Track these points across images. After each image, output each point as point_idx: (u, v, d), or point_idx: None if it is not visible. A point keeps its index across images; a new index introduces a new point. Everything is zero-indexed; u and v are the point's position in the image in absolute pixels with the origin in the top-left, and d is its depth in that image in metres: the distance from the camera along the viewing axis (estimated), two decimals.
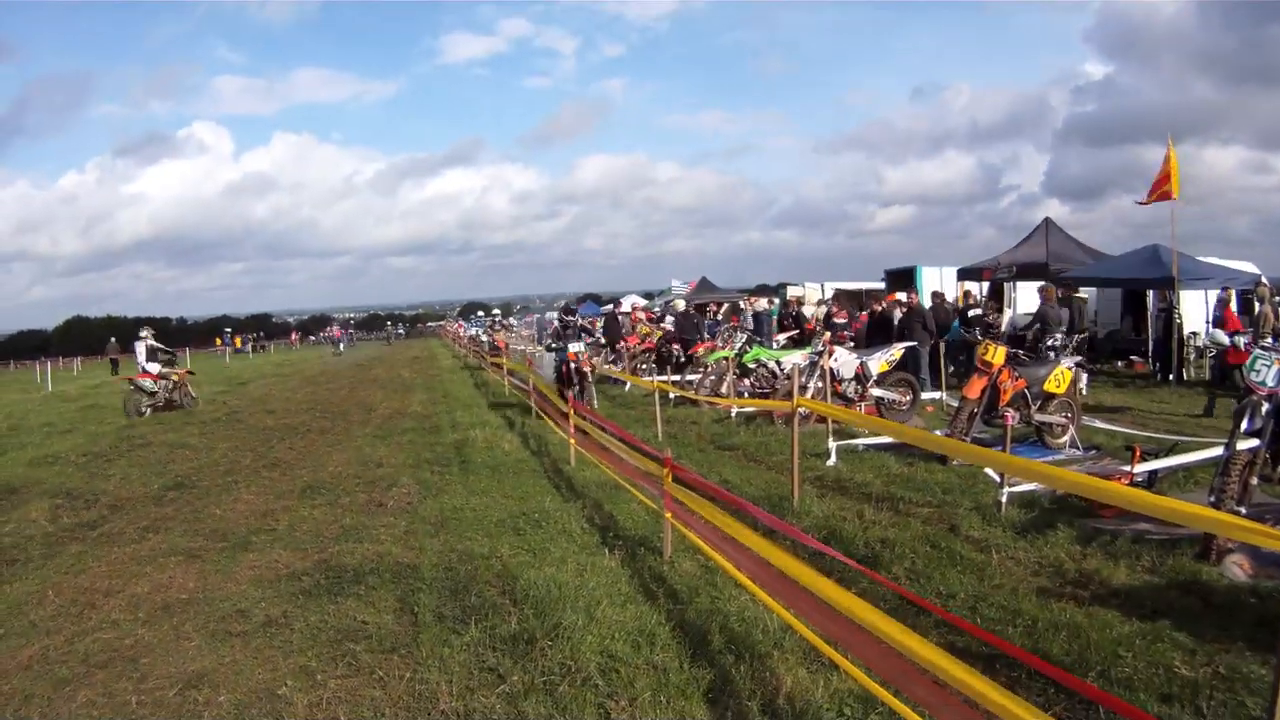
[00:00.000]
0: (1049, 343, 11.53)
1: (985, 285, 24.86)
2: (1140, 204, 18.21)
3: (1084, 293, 22.81)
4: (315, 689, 4.61)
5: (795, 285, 35.00)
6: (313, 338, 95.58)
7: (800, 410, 8.72)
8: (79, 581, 6.85)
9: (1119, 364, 21.10)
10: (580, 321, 19.27)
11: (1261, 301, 16.64)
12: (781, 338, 18.91)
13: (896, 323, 18.32)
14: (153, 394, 19.87)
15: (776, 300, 30.60)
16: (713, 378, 16.48)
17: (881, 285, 31.49)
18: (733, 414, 14.06)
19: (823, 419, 10.89)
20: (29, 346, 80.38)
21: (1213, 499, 6.25)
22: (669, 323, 22.45)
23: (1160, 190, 17.66)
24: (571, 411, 10.77)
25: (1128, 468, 7.84)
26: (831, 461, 9.75)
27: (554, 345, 17.16)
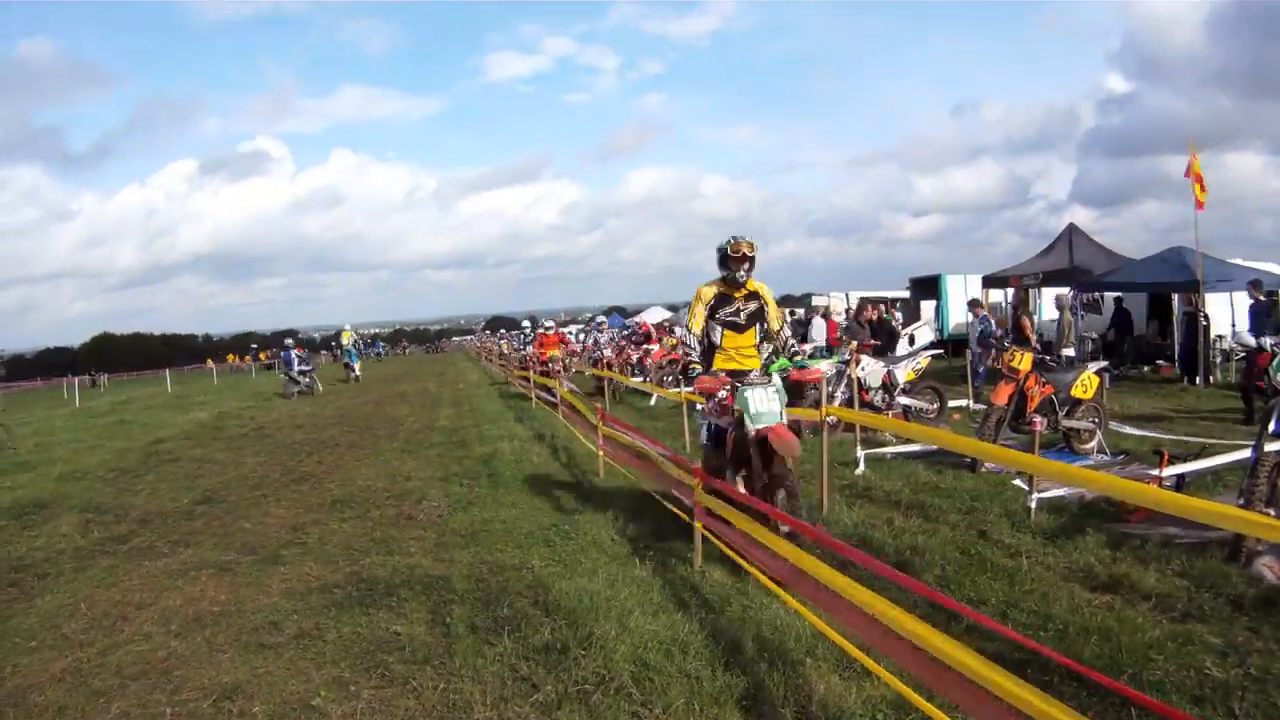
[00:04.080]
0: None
1: (1010, 292, 24.78)
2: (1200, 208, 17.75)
3: (1109, 296, 22.68)
4: (349, 700, 4.63)
5: (820, 295, 34.99)
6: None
7: (828, 419, 8.70)
8: (110, 595, 6.91)
9: (1145, 368, 20.93)
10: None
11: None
12: (807, 348, 18.89)
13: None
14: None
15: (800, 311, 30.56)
16: None
17: (906, 294, 31.47)
18: None
19: (850, 428, 10.85)
20: (56, 364, 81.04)
21: (1241, 501, 6.19)
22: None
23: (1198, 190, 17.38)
24: (600, 422, 10.72)
25: (1156, 472, 7.79)
26: (860, 470, 9.72)
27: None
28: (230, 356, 64.12)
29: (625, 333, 31.55)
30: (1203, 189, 17.34)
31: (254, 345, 72.60)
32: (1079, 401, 10.55)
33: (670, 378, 20.60)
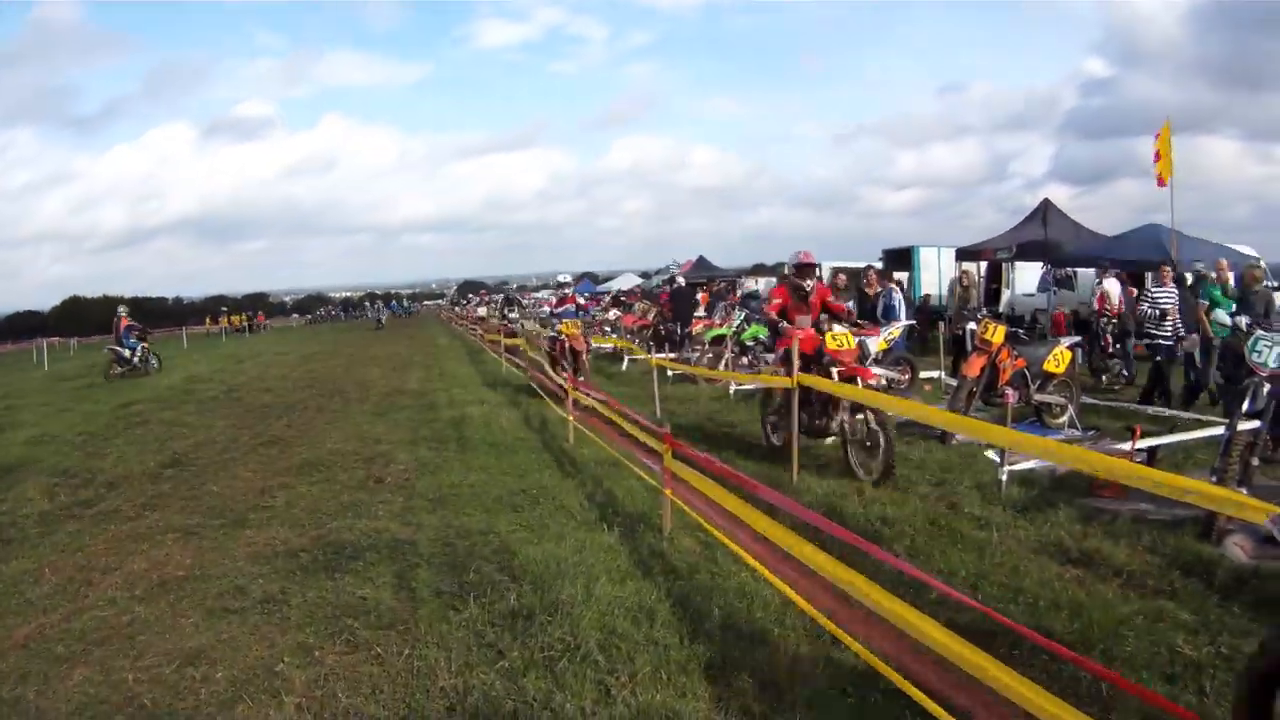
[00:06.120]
0: None
1: (983, 265, 24.81)
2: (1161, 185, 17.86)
3: (1082, 273, 22.71)
4: (313, 665, 4.59)
5: None
6: (309, 316, 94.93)
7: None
8: (76, 559, 6.82)
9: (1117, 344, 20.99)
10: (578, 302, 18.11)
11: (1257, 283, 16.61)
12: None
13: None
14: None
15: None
16: (710, 355, 16.46)
17: (880, 265, 31.51)
18: (731, 391, 14.03)
19: None
20: (26, 327, 79.92)
21: (1214, 479, 6.23)
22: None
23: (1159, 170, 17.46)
24: (571, 388, 10.73)
25: (1127, 447, 7.81)
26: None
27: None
28: (211, 320, 65.46)
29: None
30: (1159, 160, 17.31)
31: (224, 309, 71.94)
32: (1051, 376, 10.57)
33: (640, 343, 20.73)
